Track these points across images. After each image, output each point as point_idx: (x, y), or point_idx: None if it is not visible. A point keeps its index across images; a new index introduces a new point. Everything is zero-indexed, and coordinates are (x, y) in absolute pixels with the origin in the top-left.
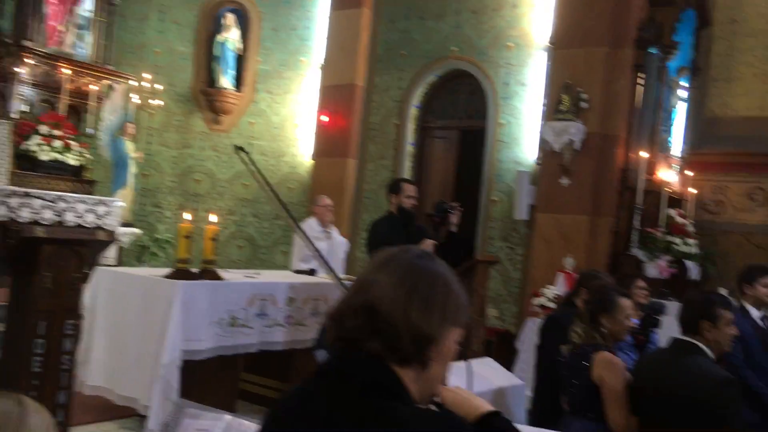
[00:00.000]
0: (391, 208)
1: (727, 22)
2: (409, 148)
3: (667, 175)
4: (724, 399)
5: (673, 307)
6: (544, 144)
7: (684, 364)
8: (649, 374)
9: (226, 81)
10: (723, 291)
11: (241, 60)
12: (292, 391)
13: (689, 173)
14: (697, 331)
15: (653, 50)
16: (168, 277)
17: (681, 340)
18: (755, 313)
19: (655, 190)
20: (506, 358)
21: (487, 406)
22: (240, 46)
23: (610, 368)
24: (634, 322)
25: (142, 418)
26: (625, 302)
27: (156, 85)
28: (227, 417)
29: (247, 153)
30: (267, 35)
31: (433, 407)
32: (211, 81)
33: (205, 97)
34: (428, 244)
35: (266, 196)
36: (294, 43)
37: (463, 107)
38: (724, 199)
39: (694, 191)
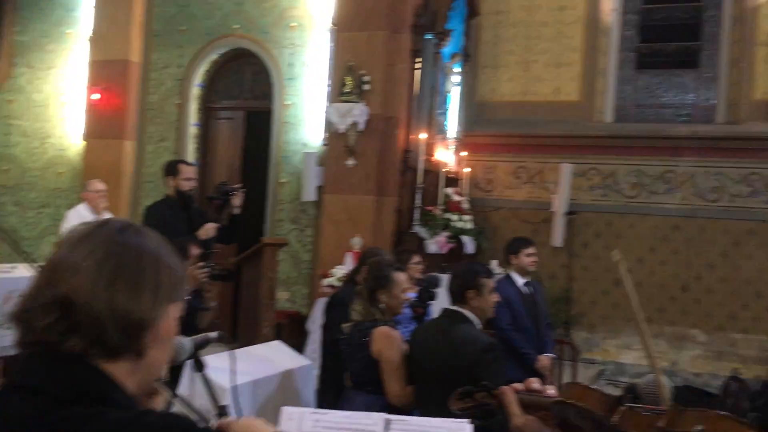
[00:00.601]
0: (168, 192)
1: (493, 12)
2: (192, 129)
3: (444, 156)
4: (485, 362)
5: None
6: (329, 125)
7: (451, 332)
8: (422, 344)
9: None
10: (494, 262)
11: None
12: None
13: (464, 154)
14: (464, 300)
15: (429, 36)
16: None
17: (449, 309)
18: (520, 280)
19: (433, 170)
20: (298, 339)
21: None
22: None
23: (388, 342)
24: (411, 295)
25: None
26: (401, 277)
27: None
28: None
29: None
30: (24, 3)
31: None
32: None
33: None
34: (210, 228)
35: (28, 183)
36: (57, 13)
37: (248, 87)
38: (494, 177)
39: (468, 171)
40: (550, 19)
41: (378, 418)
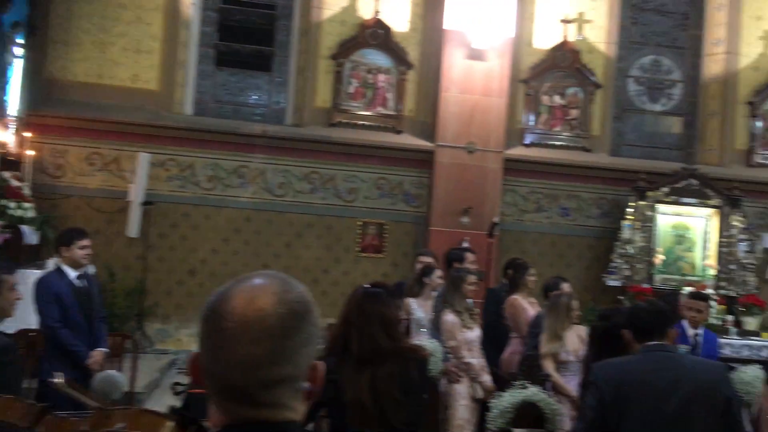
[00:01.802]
0: None
1: None
2: None
3: (2, 136)
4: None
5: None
6: None
7: None
8: None
9: None
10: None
11: None
12: None
13: (27, 135)
14: None
15: None
16: None
17: None
18: (72, 274)
19: None
20: None
21: None
22: None
23: None
24: None
25: None
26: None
27: None
28: None
29: None
30: None
31: None
32: None
33: None
34: None
35: None
36: None
37: None
38: (65, 162)
39: (33, 154)
40: (128, 2)
41: None
